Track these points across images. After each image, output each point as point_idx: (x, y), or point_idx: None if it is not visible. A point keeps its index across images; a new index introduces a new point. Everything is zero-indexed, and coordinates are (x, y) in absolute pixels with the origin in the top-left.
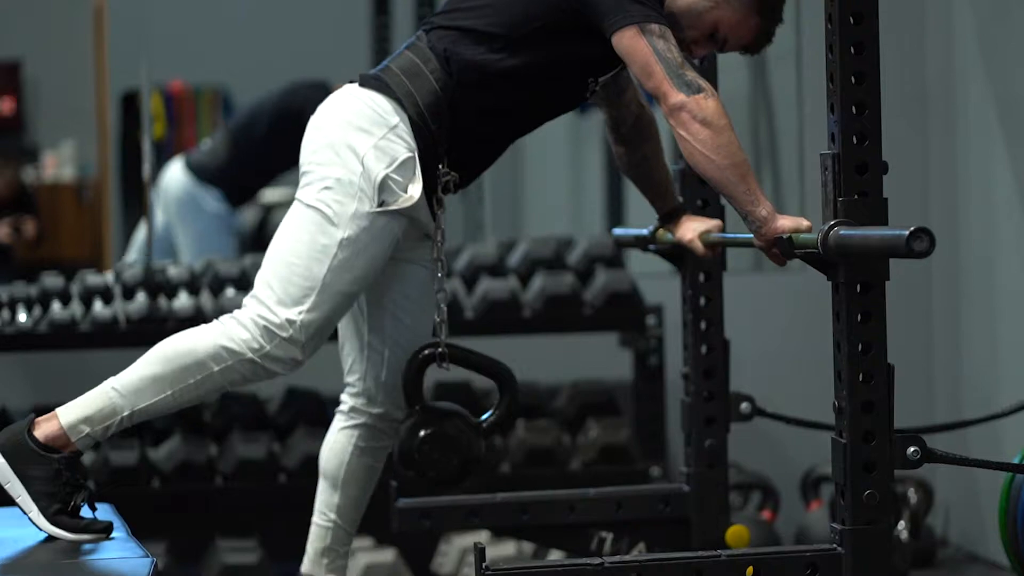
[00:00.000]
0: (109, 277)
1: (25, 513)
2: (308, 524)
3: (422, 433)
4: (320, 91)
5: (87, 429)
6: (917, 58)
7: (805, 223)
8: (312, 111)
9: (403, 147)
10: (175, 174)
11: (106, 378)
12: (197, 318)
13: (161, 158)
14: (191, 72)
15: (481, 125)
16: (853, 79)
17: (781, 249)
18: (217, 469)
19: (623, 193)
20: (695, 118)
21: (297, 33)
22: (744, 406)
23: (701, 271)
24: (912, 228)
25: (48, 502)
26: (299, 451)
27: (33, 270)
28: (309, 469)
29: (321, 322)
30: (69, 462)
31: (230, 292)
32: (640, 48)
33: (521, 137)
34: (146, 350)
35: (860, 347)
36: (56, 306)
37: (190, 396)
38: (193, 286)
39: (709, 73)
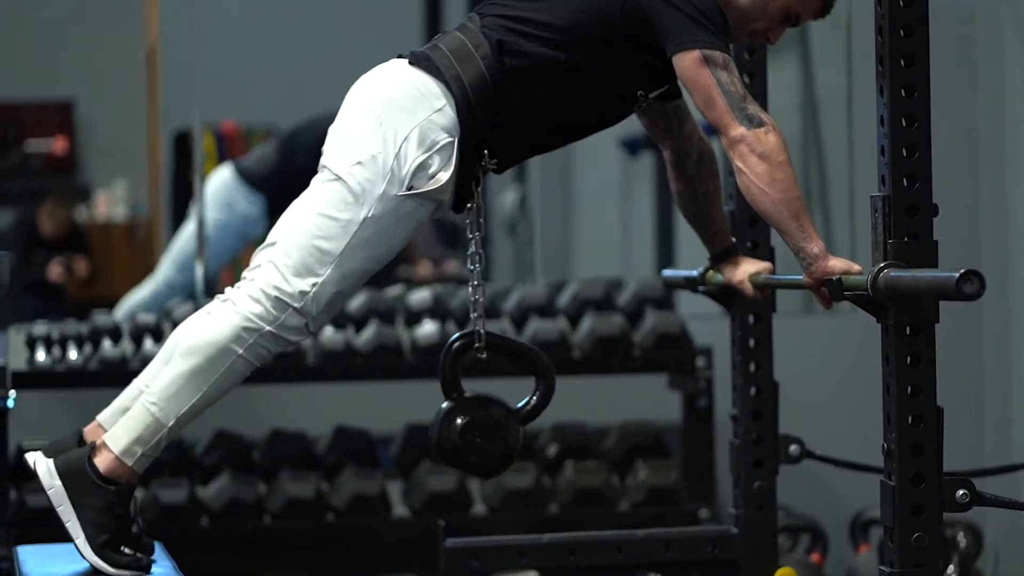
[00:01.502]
0: (159, 315)
1: (72, 539)
2: (356, 563)
3: (463, 420)
4: None
5: (140, 450)
6: (969, 102)
7: (856, 267)
8: None
9: (444, 132)
10: (221, 172)
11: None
12: None
13: None
14: (243, 112)
15: (526, 117)
16: (904, 121)
17: (830, 290)
18: (266, 508)
19: (673, 235)
20: (753, 151)
21: (347, 73)
22: (793, 448)
23: (751, 313)
24: (962, 271)
25: (96, 532)
26: (348, 490)
27: (84, 309)
28: (358, 508)
29: (332, 297)
30: (123, 495)
31: None
32: (703, 79)
33: (563, 143)
34: None
35: (909, 390)
36: (107, 344)
37: (225, 385)
38: None
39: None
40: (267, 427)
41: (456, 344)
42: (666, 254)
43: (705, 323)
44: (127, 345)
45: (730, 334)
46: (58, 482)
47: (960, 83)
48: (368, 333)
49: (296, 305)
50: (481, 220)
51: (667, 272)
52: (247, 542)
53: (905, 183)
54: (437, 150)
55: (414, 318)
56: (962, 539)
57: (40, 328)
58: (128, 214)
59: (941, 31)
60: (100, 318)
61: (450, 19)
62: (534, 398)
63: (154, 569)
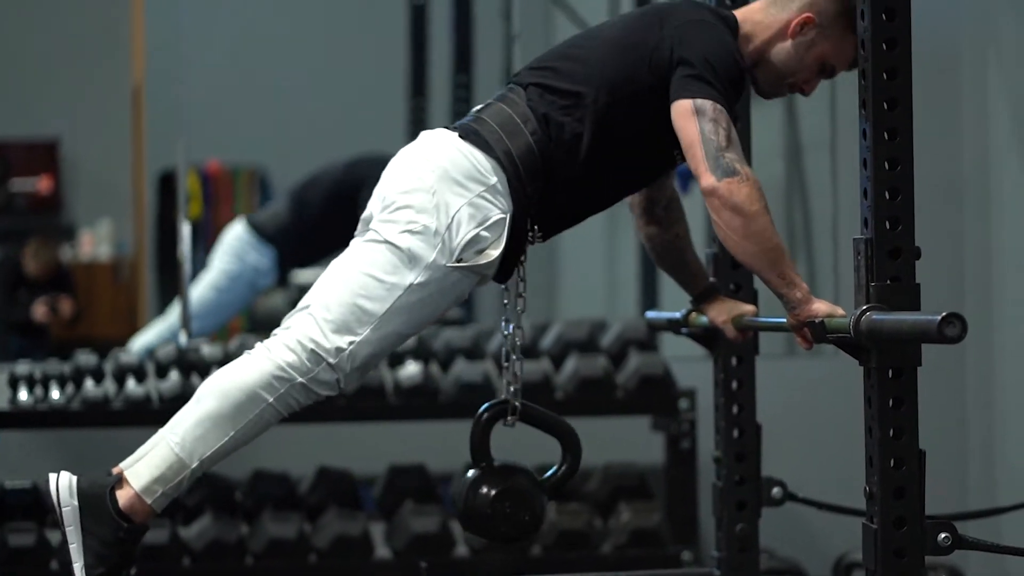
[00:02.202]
0: (142, 355)
1: (71, 563)
2: None
3: (494, 490)
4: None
5: (161, 489)
6: (953, 146)
7: (839, 310)
8: (371, 186)
9: (496, 208)
10: (235, 226)
11: None
12: None
13: (197, 238)
14: (228, 152)
15: (572, 188)
16: (887, 165)
17: (813, 332)
18: (248, 548)
19: (658, 277)
20: (725, 205)
21: (334, 115)
22: (776, 491)
23: (734, 355)
24: (944, 313)
25: (96, 562)
26: (330, 531)
27: (68, 348)
28: (340, 549)
29: (367, 358)
30: (134, 533)
31: None
32: (688, 128)
33: (604, 208)
34: None
35: (892, 432)
36: (89, 383)
37: (252, 432)
38: (227, 364)
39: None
40: (249, 467)
41: (487, 414)
42: (651, 296)
43: (689, 365)
44: (109, 385)
45: (713, 376)
46: (76, 502)
47: (945, 126)
48: None
49: (331, 361)
50: (524, 295)
51: (650, 314)
52: None
53: (888, 226)
54: (489, 226)
55: (397, 359)
56: None
57: (23, 367)
58: (112, 253)
59: (926, 74)
60: (83, 357)
61: (435, 65)
62: (561, 469)
63: None
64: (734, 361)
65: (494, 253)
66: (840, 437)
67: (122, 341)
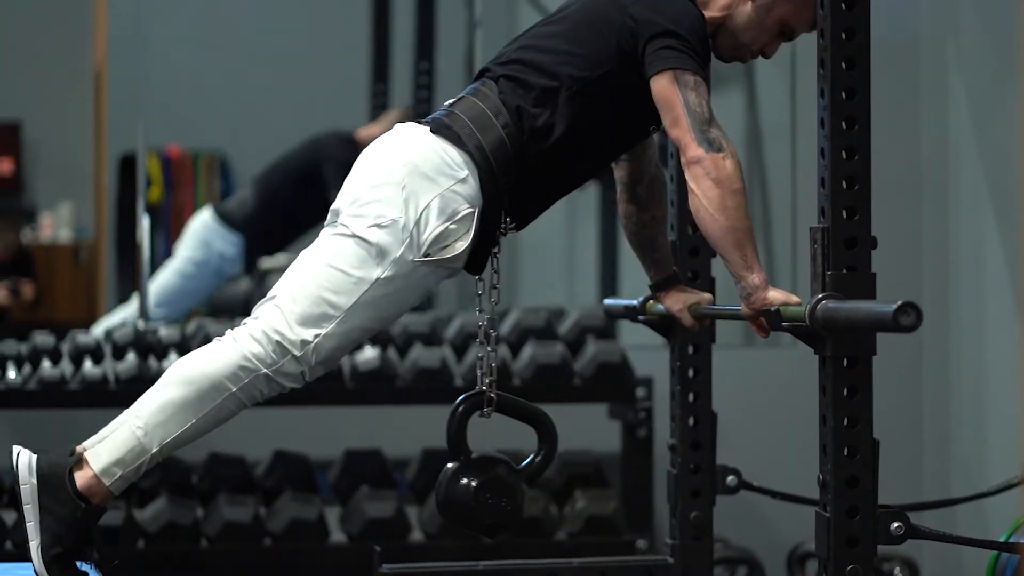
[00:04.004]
0: (99, 336)
1: (28, 541)
2: None
3: (474, 482)
4: (344, 144)
5: (120, 472)
6: (912, 137)
7: (795, 298)
8: (333, 162)
9: (466, 202)
10: (201, 214)
11: None
12: None
13: (156, 221)
14: (189, 137)
15: (546, 175)
16: (844, 154)
17: (768, 320)
18: (203, 531)
19: (618, 265)
20: (708, 175)
21: (296, 100)
22: (731, 479)
23: (690, 343)
24: (899, 302)
25: (53, 542)
26: (285, 515)
27: (27, 331)
28: (295, 533)
29: (332, 351)
30: (91, 514)
31: None
32: (672, 97)
33: (578, 187)
34: None
35: (846, 421)
36: (46, 364)
37: (214, 420)
38: (183, 347)
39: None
40: (205, 451)
41: (463, 405)
42: (610, 285)
43: (646, 353)
44: (66, 366)
45: (669, 364)
46: (34, 480)
47: (904, 117)
48: None
49: (296, 353)
50: (497, 287)
51: (608, 301)
52: (184, 566)
53: (844, 215)
54: (458, 220)
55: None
56: (899, 573)
57: None
58: (73, 236)
59: (885, 64)
60: (40, 338)
61: (397, 51)
62: (538, 458)
63: None
64: (690, 349)
65: (461, 246)
66: (796, 426)
67: (82, 324)
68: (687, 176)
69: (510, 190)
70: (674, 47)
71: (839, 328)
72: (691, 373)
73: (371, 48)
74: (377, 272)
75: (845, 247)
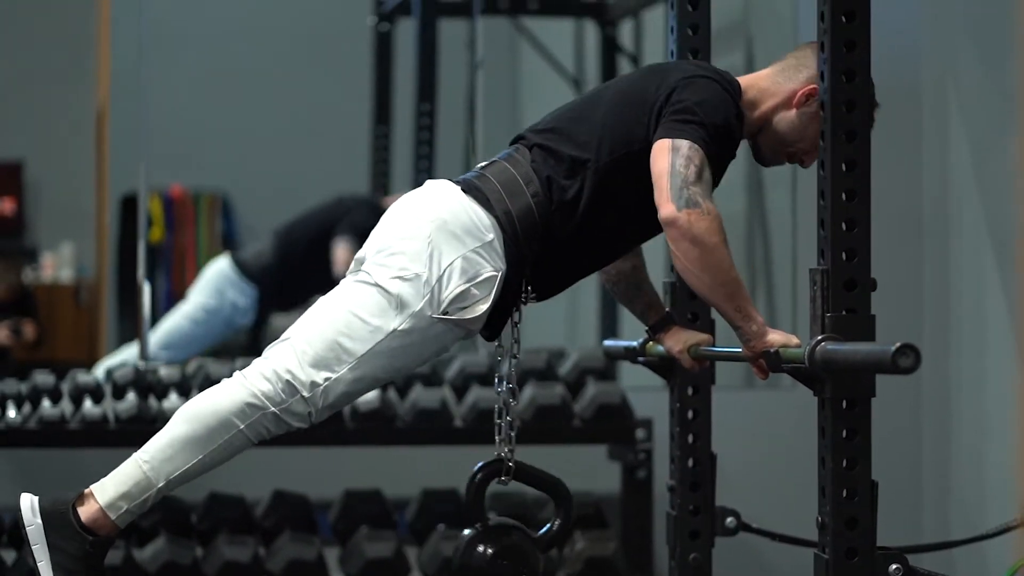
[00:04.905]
0: (100, 376)
1: None
2: None
3: (491, 549)
4: (364, 208)
5: (125, 505)
6: (913, 178)
7: (795, 340)
8: (347, 224)
9: (490, 265)
10: (218, 262)
11: (96, 477)
12: None
13: (157, 262)
14: (191, 177)
15: (571, 248)
16: (844, 196)
17: (768, 362)
18: (202, 571)
19: (618, 306)
20: (684, 236)
21: (297, 141)
22: (730, 520)
23: (690, 384)
24: (898, 344)
25: None
26: (285, 555)
27: (28, 371)
28: (294, 573)
29: (340, 396)
30: (100, 547)
31: None
32: (660, 161)
33: (603, 266)
34: (135, 450)
35: (844, 463)
36: (46, 404)
37: (221, 456)
38: (184, 387)
39: None
40: (205, 490)
41: (482, 473)
42: (611, 326)
43: (646, 395)
44: (66, 405)
45: (669, 405)
46: (39, 520)
47: (905, 158)
48: None
49: (305, 394)
50: (517, 356)
51: (608, 342)
52: None
53: (844, 257)
54: (479, 282)
55: None
56: None
57: None
58: (74, 276)
59: (886, 107)
60: (40, 377)
61: (400, 93)
62: (555, 525)
63: None
64: (690, 391)
65: (481, 309)
66: (795, 468)
67: (83, 364)
68: (667, 238)
69: (534, 259)
70: (686, 120)
71: (838, 370)
72: (691, 414)
73: (373, 89)
74: (395, 323)
75: (845, 289)
